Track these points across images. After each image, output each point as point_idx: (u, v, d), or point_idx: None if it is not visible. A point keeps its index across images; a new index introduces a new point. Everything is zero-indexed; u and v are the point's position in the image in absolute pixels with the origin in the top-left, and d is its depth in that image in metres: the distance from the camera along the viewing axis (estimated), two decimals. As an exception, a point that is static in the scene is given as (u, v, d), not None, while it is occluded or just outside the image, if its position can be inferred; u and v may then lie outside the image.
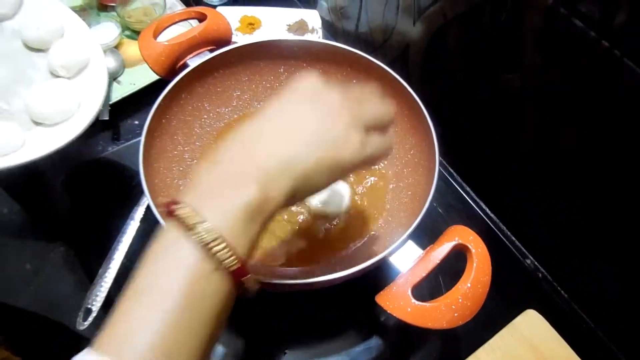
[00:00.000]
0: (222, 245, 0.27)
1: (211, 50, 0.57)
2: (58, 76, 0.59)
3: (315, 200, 0.55)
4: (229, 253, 0.27)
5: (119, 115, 0.72)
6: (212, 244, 0.27)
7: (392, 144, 0.39)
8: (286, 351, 0.54)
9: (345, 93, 0.35)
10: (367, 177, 0.58)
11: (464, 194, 0.68)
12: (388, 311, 0.40)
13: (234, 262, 0.27)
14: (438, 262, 0.42)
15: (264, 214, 0.30)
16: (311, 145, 0.32)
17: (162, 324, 0.25)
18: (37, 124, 0.56)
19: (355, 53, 0.57)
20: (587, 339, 0.56)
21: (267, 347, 0.54)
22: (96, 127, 0.67)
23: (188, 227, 0.27)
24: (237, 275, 0.28)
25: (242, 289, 0.29)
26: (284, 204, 0.31)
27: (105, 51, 0.75)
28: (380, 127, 0.38)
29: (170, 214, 0.28)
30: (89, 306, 0.51)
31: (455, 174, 0.70)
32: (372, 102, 0.38)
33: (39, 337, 0.53)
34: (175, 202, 0.28)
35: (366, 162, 0.36)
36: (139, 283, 0.27)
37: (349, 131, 0.34)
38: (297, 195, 0.32)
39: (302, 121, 0.33)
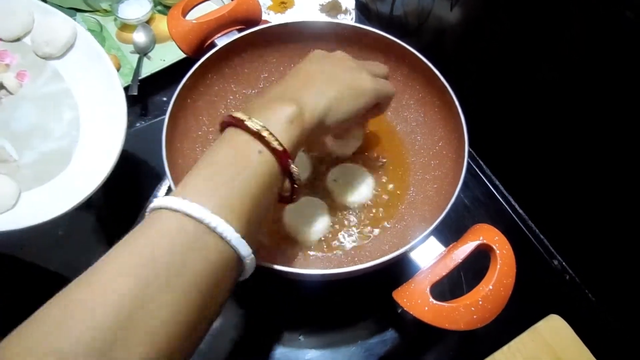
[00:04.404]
0: (267, 132, 0.35)
1: (240, 30, 0.56)
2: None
3: (338, 189, 0.54)
4: (272, 138, 0.35)
5: (147, 91, 0.72)
6: (261, 131, 0.35)
7: (393, 89, 0.48)
8: (301, 337, 0.54)
9: (347, 54, 0.47)
10: (390, 167, 0.57)
11: (492, 188, 0.66)
12: (405, 308, 0.39)
13: (276, 145, 0.35)
14: (460, 261, 0.41)
15: (302, 122, 0.38)
16: (333, 78, 0.43)
17: (240, 183, 0.34)
18: (38, 183, 0.53)
19: (388, 38, 0.55)
20: (612, 348, 0.54)
21: (282, 331, 0.54)
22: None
23: (242, 122, 0.35)
24: (281, 157, 0.36)
25: (289, 175, 0.38)
26: (319, 120, 0.40)
27: (136, 26, 0.75)
28: (381, 76, 0.48)
29: (226, 124, 0.37)
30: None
31: (484, 166, 0.68)
32: (369, 62, 0.49)
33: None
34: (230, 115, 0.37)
35: (379, 96, 0.45)
36: (212, 159, 0.35)
37: (359, 70, 0.45)
38: (329, 114, 0.41)
39: (323, 68, 0.43)
